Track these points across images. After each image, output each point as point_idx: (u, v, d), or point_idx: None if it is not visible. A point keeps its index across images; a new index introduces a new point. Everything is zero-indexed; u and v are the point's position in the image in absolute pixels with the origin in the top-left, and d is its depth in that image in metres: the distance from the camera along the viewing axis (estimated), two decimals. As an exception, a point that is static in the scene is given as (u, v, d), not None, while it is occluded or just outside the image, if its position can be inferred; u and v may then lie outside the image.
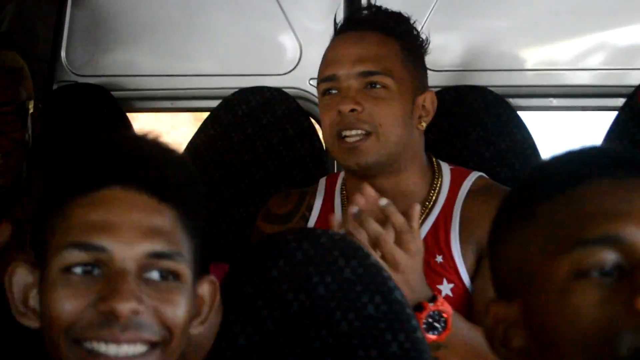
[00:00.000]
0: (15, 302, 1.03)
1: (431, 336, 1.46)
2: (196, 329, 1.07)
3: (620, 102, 2.10)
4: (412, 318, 1.18)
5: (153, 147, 1.03)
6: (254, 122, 2.21)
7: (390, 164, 1.71)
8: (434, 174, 1.79)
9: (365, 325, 1.20)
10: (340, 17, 2.18)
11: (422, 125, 1.74)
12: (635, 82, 2.06)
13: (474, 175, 1.76)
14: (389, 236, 1.44)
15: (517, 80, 2.33)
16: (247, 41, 2.46)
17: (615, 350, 0.70)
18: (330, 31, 2.16)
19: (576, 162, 0.80)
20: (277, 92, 2.24)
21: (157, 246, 0.94)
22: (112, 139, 1.10)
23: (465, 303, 1.68)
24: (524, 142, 2.06)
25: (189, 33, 2.47)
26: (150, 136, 1.06)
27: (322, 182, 1.89)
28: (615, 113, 2.09)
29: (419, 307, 1.45)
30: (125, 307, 0.90)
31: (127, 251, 0.93)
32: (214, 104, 2.28)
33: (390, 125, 1.69)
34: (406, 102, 1.72)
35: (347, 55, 1.71)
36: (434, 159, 1.80)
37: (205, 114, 2.38)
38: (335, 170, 2.24)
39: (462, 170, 1.79)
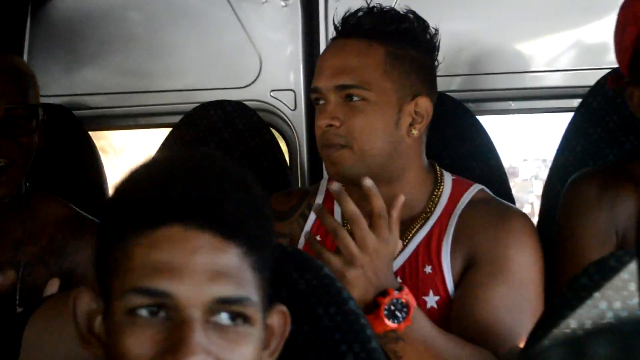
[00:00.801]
0: (81, 330, 1.00)
1: (390, 324, 1.46)
2: None
3: (576, 103, 2.10)
4: (366, 328, 1.16)
5: (214, 177, 0.94)
6: (215, 137, 2.21)
7: (375, 174, 1.65)
8: (436, 183, 1.79)
9: (320, 337, 1.17)
10: (314, 25, 2.39)
11: (414, 133, 1.71)
12: (590, 83, 2.06)
13: (475, 188, 1.76)
14: (360, 219, 1.45)
15: (475, 85, 2.37)
16: (206, 55, 2.47)
17: None
18: (289, 41, 2.43)
19: None
20: (238, 105, 2.24)
21: (225, 290, 0.90)
22: (169, 168, 0.98)
23: (449, 316, 1.70)
24: (484, 146, 2.07)
25: (148, 50, 2.48)
26: (209, 160, 0.98)
27: (324, 182, 1.87)
28: (570, 114, 2.08)
29: (384, 293, 1.45)
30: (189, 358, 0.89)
31: (193, 297, 0.90)
32: (176, 119, 2.28)
33: (368, 138, 1.69)
34: (389, 112, 1.70)
35: (327, 68, 1.71)
36: (437, 168, 1.80)
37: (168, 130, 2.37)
38: (299, 183, 2.41)
39: (463, 182, 1.79)
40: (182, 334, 0.87)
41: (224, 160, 0.98)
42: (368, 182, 1.46)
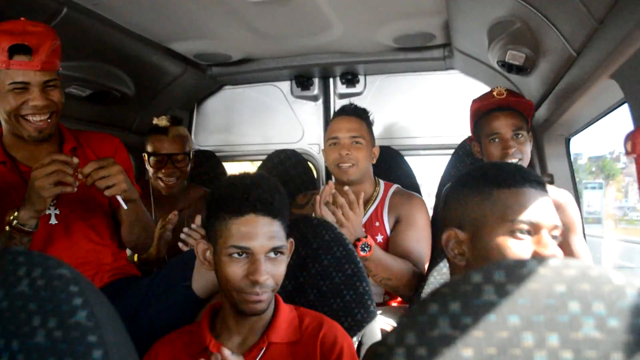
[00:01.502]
0: (199, 257, 1.34)
1: (363, 254, 1.91)
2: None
3: (451, 152, 2.70)
4: (356, 255, 1.62)
5: (268, 187, 1.27)
6: (282, 166, 2.92)
7: (359, 179, 2.21)
8: (376, 184, 2.30)
9: (336, 262, 1.63)
10: (329, 113, 2.99)
11: (373, 161, 2.28)
12: (458, 142, 2.65)
13: (395, 186, 2.31)
14: (346, 205, 1.89)
15: (403, 141, 2.99)
16: (278, 126, 3.16)
17: None
18: (316, 120, 3.09)
19: (511, 171, 1.07)
20: (292, 151, 2.98)
21: (275, 244, 1.24)
22: (247, 183, 1.27)
23: (387, 244, 2.15)
24: (409, 176, 2.74)
25: (250, 124, 3.20)
26: (264, 177, 1.29)
27: (322, 187, 2.12)
28: (449, 156, 2.68)
29: (358, 240, 1.90)
30: (261, 278, 1.22)
31: (261, 249, 1.23)
32: (263, 157, 3.00)
33: (362, 162, 2.19)
34: (368, 150, 2.22)
35: (344, 129, 2.21)
36: (376, 178, 2.33)
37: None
38: (320, 187, 2.68)
39: (388, 183, 2.33)
40: (256, 266, 1.20)
41: (270, 179, 1.31)
42: (346, 187, 1.93)
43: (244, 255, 1.24)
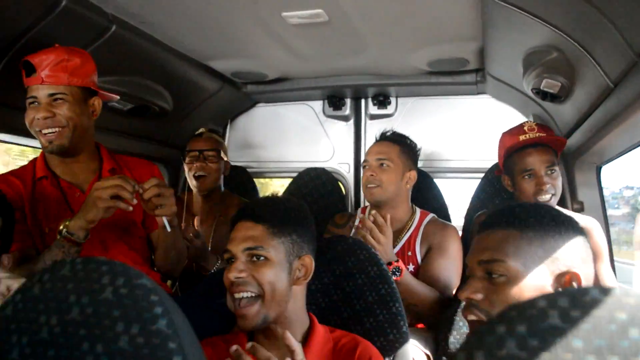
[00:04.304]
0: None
1: (394, 277, 1.89)
2: (301, 282, 1.35)
3: (481, 175, 2.70)
4: (388, 273, 1.59)
5: (265, 199, 1.39)
6: (312, 184, 2.94)
7: (389, 202, 2.20)
8: (412, 212, 2.29)
9: (370, 281, 1.62)
10: (360, 133, 3.09)
11: (407, 187, 2.24)
12: (488, 166, 2.66)
13: (430, 215, 2.29)
14: (376, 229, 1.91)
15: (432, 164, 2.99)
16: (309, 145, 3.22)
17: None
18: (347, 140, 3.15)
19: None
20: (323, 170, 3.01)
21: (248, 245, 1.28)
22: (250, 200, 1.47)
23: (417, 273, 2.15)
24: (439, 198, 2.73)
25: (282, 145, 3.26)
26: (275, 200, 1.36)
27: (359, 210, 2.44)
28: (478, 180, 2.68)
29: (389, 263, 1.91)
30: (231, 275, 1.27)
31: (236, 249, 1.31)
32: (294, 174, 3.03)
33: (389, 184, 2.20)
34: (398, 174, 2.21)
35: (373, 152, 2.26)
36: (413, 205, 2.30)
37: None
38: (349, 208, 3.03)
39: (425, 212, 2.30)
40: (233, 263, 1.29)
41: (278, 197, 1.39)
42: (374, 211, 1.97)
43: (232, 260, 1.30)
